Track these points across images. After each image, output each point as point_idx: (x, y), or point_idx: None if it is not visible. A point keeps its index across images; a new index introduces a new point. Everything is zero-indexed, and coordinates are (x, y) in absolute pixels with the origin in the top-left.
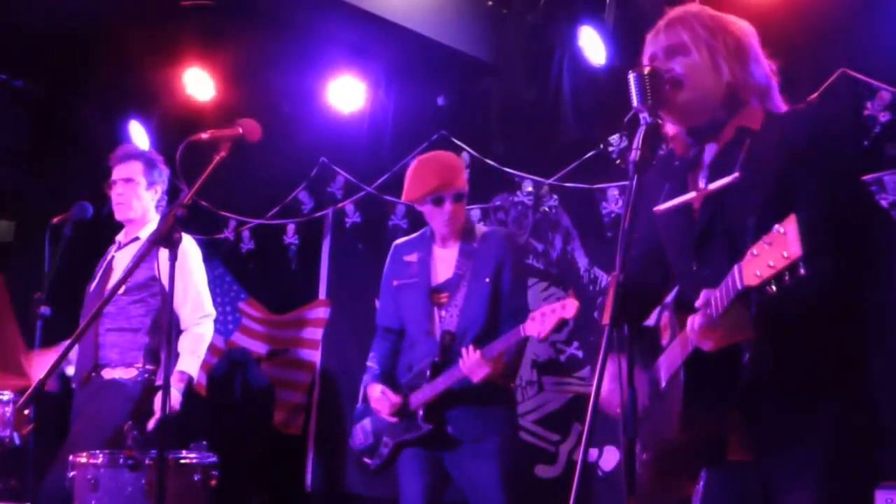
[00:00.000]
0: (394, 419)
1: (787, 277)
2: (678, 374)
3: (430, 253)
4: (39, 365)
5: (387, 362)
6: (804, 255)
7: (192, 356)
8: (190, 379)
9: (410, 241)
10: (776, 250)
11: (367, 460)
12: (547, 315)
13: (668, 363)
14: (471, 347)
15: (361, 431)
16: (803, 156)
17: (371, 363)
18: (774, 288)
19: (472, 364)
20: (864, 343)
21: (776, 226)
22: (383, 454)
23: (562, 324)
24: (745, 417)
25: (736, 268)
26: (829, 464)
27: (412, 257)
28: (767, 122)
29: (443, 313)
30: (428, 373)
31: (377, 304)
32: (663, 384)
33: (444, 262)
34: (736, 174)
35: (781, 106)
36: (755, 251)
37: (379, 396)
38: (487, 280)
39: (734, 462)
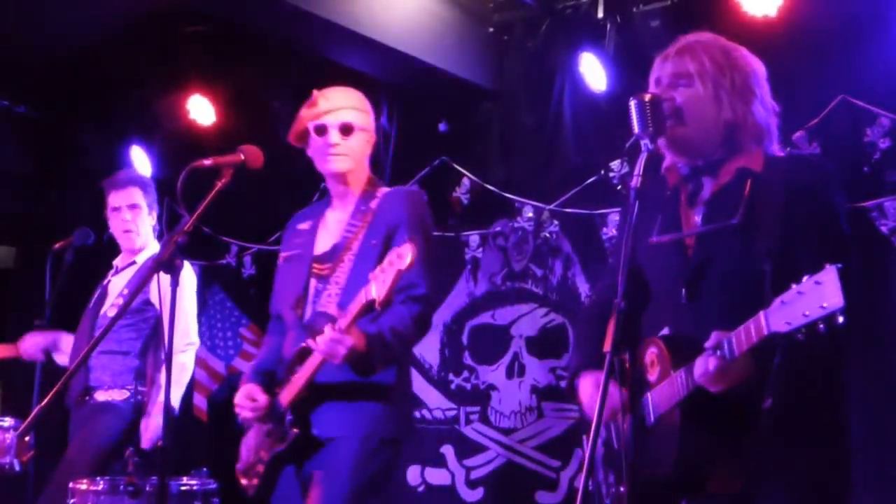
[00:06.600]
0: (264, 426)
1: (821, 326)
2: (672, 413)
3: None
4: (30, 342)
5: None
6: (845, 307)
7: (174, 386)
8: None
9: None
10: (811, 300)
11: (244, 482)
12: (386, 270)
13: (658, 400)
14: (328, 325)
15: (244, 448)
16: (810, 202)
17: None
18: (802, 336)
19: (328, 341)
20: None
21: (807, 277)
22: (259, 472)
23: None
24: (737, 452)
25: (762, 314)
26: (815, 497)
27: None
28: (769, 165)
29: None
30: (294, 365)
31: None
32: (651, 420)
33: None
34: (735, 220)
35: (778, 149)
36: (785, 300)
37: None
38: None
39: (716, 495)
